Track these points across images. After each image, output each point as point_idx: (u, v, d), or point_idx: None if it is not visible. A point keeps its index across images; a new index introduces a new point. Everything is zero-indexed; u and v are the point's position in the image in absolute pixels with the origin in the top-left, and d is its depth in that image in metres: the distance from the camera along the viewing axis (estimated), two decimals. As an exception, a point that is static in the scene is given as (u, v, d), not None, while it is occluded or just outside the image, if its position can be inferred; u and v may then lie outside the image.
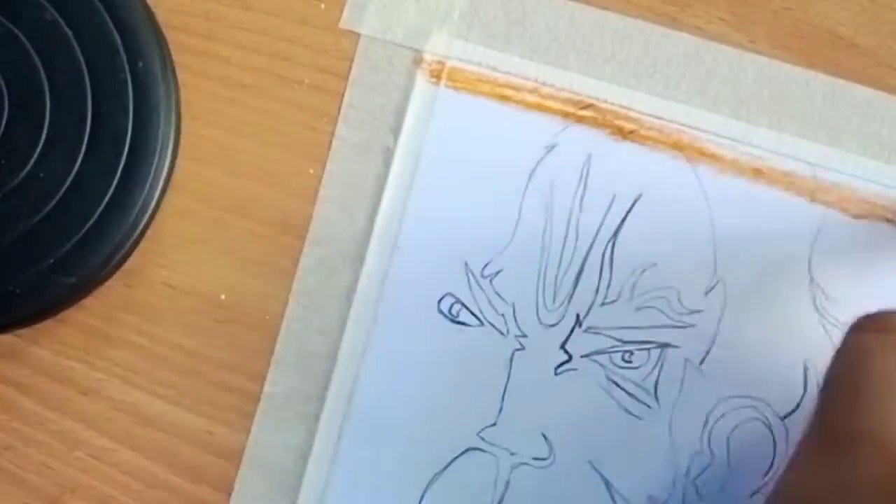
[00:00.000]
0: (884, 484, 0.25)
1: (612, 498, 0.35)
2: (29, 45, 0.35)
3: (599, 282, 0.36)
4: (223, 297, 0.37)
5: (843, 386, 0.28)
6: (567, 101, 0.37)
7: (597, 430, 0.35)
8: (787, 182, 0.36)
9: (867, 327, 0.29)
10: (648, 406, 0.36)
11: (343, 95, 0.37)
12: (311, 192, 0.37)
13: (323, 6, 0.38)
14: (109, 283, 0.36)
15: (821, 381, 0.35)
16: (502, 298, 0.36)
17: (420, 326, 0.36)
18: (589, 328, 0.36)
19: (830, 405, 0.28)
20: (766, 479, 0.35)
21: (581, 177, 0.36)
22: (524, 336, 0.36)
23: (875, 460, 0.25)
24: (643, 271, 0.36)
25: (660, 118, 0.37)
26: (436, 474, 0.35)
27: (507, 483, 0.35)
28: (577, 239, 0.36)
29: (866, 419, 0.26)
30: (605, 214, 0.36)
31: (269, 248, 0.37)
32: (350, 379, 0.36)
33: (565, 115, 0.37)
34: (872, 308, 0.29)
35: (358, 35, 0.37)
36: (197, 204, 0.37)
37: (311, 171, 0.37)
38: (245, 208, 0.37)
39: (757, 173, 0.36)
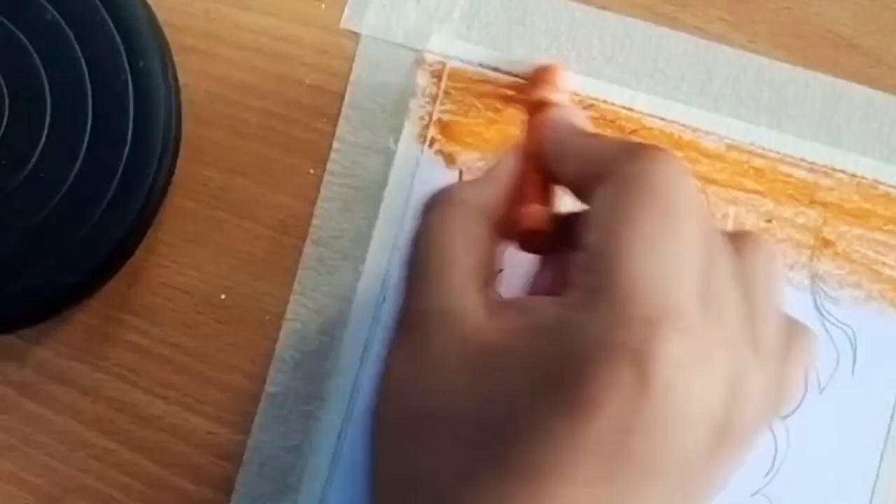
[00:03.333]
0: (454, 353, 0.26)
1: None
2: (29, 45, 0.35)
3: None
4: (223, 297, 0.37)
5: (411, 267, 0.28)
6: (567, 101, 0.37)
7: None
8: (787, 182, 0.36)
9: (429, 206, 0.29)
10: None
11: (343, 95, 0.37)
12: (312, 192, 0.37)
13: (323, 6, 0.38)
14: (110, 283, 0.36)
15: (821, 381, 0.35)
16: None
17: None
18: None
19: (405, 289, 0.28)
20: (767, 478, 0.35)
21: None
22: (524, 336, 0.36)
23: (443, 334, 0.26)
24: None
25: (660, 118, 0.37)
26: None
27: (508, 483, 0.35)
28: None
29: (432, 298, 0.27)
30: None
31: (269, 248, 0.37)
32: (350, 379, 0.36)
33: (565, 115, 0.37)
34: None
35: (358, 35, 0.37)
36: (197, 204, 0.37)
37: (312, 171, 0.37)
38: (245, 208, 0.37)
39: (757, 173, 0.36)
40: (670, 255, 0.24)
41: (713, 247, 0.26)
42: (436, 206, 0.29)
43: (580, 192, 0.28)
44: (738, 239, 0.28)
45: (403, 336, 0.27)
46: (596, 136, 0.31)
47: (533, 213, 0.30)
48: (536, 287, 0.32)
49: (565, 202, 0.30)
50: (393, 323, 0.28)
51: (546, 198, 0.31)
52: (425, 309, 0.27)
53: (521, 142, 0.32)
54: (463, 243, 0.28)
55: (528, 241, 0.30)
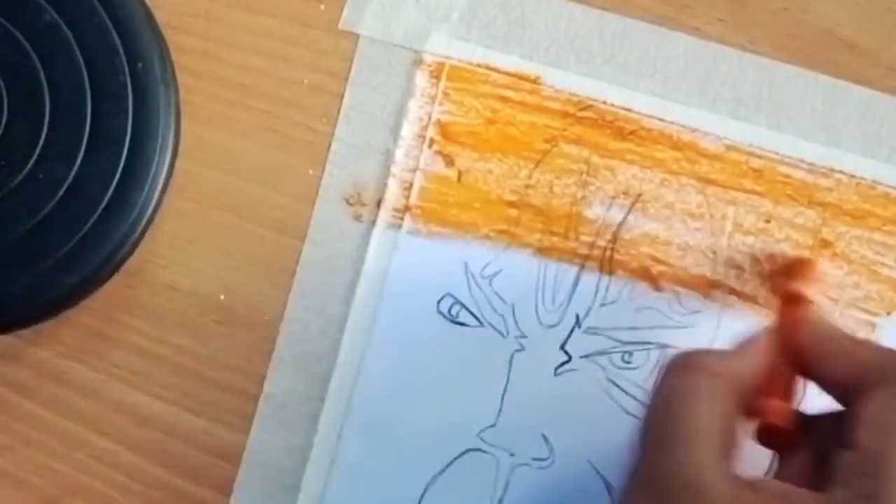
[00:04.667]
0: None
1: (612, 498, 0.35)
2: (28, 46, 0.35)
3: (599, 282, 0.36)
4: (223, 297, 0.37)
5: (656, 427, 0.28)
6: (567, 101, 0.37)
7: (597, 430, 0.35)
8: (786, 182, 0.36)
9: (677, 369, 0.29)
10: (648, 406, 0.36)
11: (343, 96, 0.37)
12: (311, 193, 0.37)
13: (322, 7, 0.38)
14: (109, 283, 0.36)
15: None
16: (502, 299, 0.36)
17: (420, 327, 0.36)
18: (588, 329, 0.36)
19: (646, 448, 0.28)
20: (767, 478, 0.35)
21: (581, 177, 0.36)
22: (524, 336, 0.36)
23: None
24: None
25: (659, 118, 0.37)
26: (436, 475, 0.35)
27: (507, 483, 0.35)
28: (577, 239, 0.36)
29: (679, 468, 0.27)
30: (605, 215, 0.36)
31: (269, 249, 0.37)
32: (350, 379, 0.36)
33: (565, 115, 0.37)
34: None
35: (357, 36, 0.37)
36: (197, 205, 0.37)
37: (311, 172, 0.37)
38: (245, 209, 0.37)
39: (756, 173, 0.36)
40: None
41: None
42: (686, 370, 0.29)
43: (844, 393, 0.29)
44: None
45: (650, 502, 0.27)
46: (864, 341, 0.32)
47: (778, 408, 0.30)
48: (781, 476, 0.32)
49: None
50: (629, 478, 0.28)
51: (789, 392, 0.31)
52: (671, 478, 0.27)
53: (774, 329, 0.32)
54: (711, 415, 0.28)
55: (766, 435, 0.30)
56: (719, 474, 0.27)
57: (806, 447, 0.30)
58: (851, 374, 0.28)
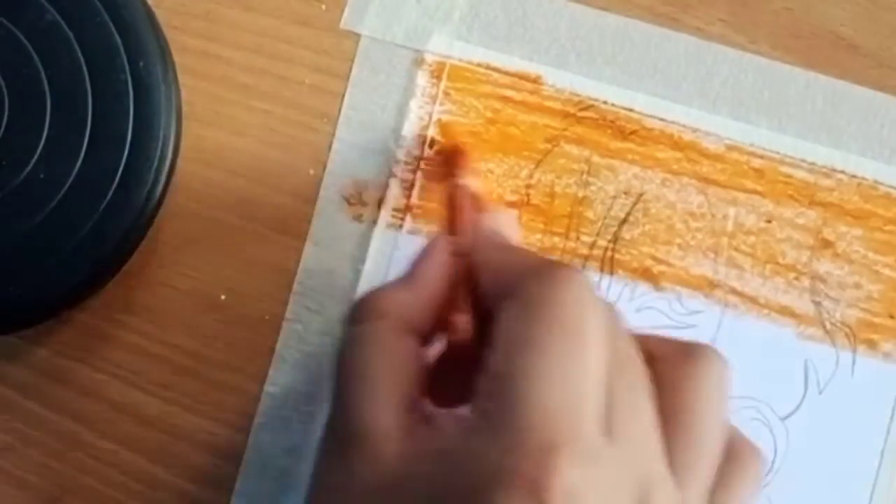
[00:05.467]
0: (374, 489, 0.25)
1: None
2: (29, 46, 0.35)
3: (600, 282, 0.36)
4: (223, 297, 0.37)
5: (338, 383, 0.27)
6: (567, 101, 0.37)
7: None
8: (787, 183, 0.36)
9: (352, 317, 0.28)
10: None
11: (343, 96, 0.37)
12: (312, 193, 0.37)
13: (324, 7, 0.38)
14: (110, 283, 0.36)
15: (821, 381, 0.35)
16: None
17: (420, 327, 0.36)
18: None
19: (332, 404, 0.27)
20: (767, 479, 0.35)
21: (581, 177, 0.36)
22: (524, 336, 0.36)
23: (364, 464, 0.25)
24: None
25: (661, 118, 0.37)
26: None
27: (508, 484, 0.35)
28: (577, 239, 0.36)
29: (353, 420, 0.26)
30: (606, 215, 0.36)
31: (270, 249, 0.37)
32: (350, 379, 0.36)
33: (566, 115, 0.37)
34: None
35: (358, 36, 0.37)
36: (197, 204, 0.37)
37: (312, 172, 0.37)
38: (245, 209, 0.37)
39: (757, 174, 0.36)
40: (570, 380, 0.24)
41: (623, 366, 0.25)
42: (358, 318, 0.28)
43: (489, 309, 0.27)
44: (681, 352, 0.27)
45: (331, 451, 0.27)
46: (510, 250, 0.30)
47: (458, 323, 0.29)
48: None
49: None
50: (323, 435, 0.27)
51: (468, 302, 0.29)
52: (344, 427, 0.26)
53: (442, 237, 0.31)
54: (385, 362, 0.27)
55: (457, 352, 0.29)
56: (391, 418, 0.26)
57: None
58: (489, 288, 0.27)
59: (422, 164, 0.36)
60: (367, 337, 0.27)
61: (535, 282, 0.26)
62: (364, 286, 0.36)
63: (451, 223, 0.32)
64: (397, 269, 0.36)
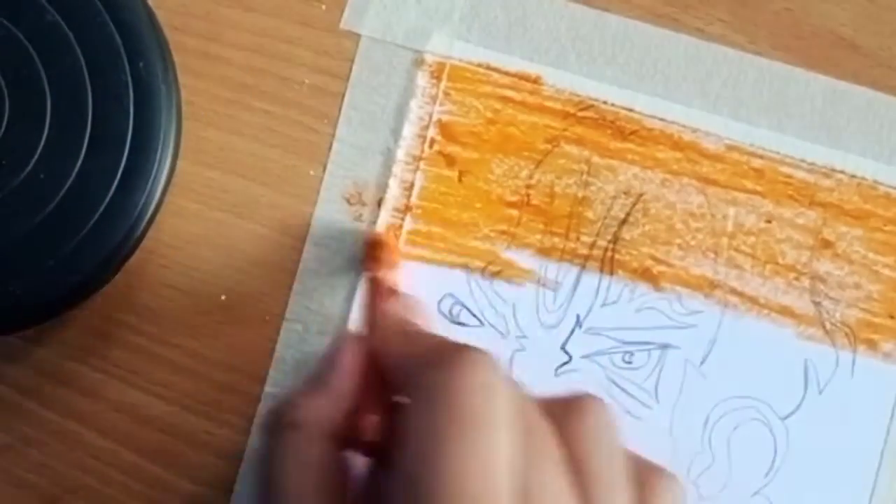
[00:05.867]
0: None
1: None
2: (30, 46, 0.35)
3: (600, 282, 0.36)
4: (223, 297, 0.37)
5: (260, 498, 0.27)
6: (568, 101, 0.37)
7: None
8: (787, 183, 0.36)
9: (266, 429, 0.28)
10: (649, 407, 0.36)
11: (344, 96, 0.37)
12: (312, 193, 0.37)
13: (324, 7, 0.38)
14: (110, 283, 0.36)
15: (821, 382, 0.35)
16: (502, 299, 0.36)
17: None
18: (589, 329, 0.36)
19: None
20: (767, 479, 0.35)
21: (581, 177, 0.36)
22: (524, 337, 0.36)
23: None
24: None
25: (660, 119, 0.37)
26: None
27: (508, 484, 0.35)
28: (577, 239, 0.36)
29: None
30: (606, 215, 0.36)
31: (270, 249, 0.37)
32: (350, 379, 0.36)
33: (566, 115, 0.37)
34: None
35: (359, 36, 0.37)
36: (197, 205, 0.37)
37: (312, 173, 0.37)
38: (245, 209, 0.37)
39: (757, 174, 0.36)
40: (482, 471, 0.23)
41: (534, 441, 0.25)
42: (273, 430, 0.28)
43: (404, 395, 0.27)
44: (566, 409, 0.27)
45: None
46: (412, 336, 0.29)
47: (372, 423, 0.29)
48: None
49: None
50: None
51: (378, 401, 0.29)
52: None
53: (360, 332, 0.31)
54: (306, 475, 0.27)
55: (374, 453, 0.29)
56: None
57: None
58: (399, 377, 0.27)
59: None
60: (284, 449, 0.27)
61: (436, 370, 0.25)
62: (364, 286, 0.36)
63: (365, 317, 0.32)
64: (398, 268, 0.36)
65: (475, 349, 0.25)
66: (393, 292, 0.32)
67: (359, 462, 0.29)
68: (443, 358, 0.25)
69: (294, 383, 0.33)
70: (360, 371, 0.29)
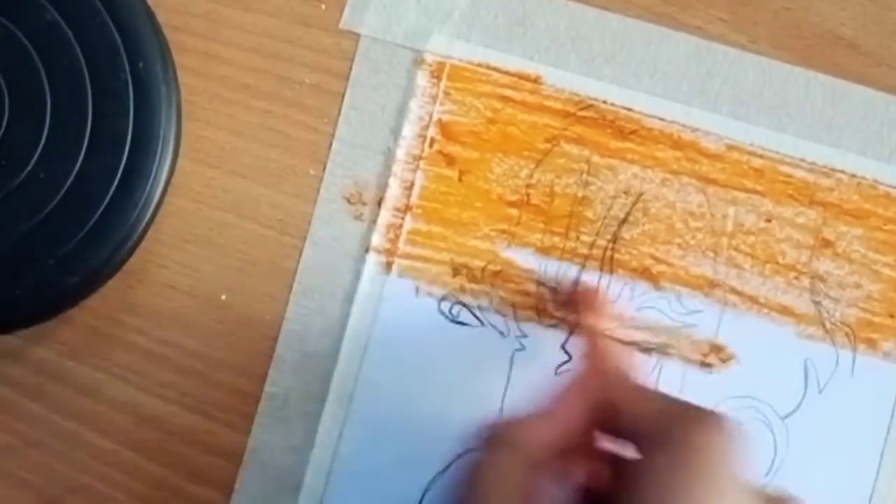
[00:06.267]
0: None
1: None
2: (29, 46, 0.35)
3: (600, 282, 0.36)
4: (223, 297, 0.37)
5: (463, 501, 0.29)
6: (567, 101, 0.37)
7: (597, 430, 0.35)
8: (787, 182, 0.36)
9: (479, 442, 0.29)
10: (649, 406, 0.35)
11: (343, 96, 0.37)
12: (312, 193, 0.37)
13: (323, 7, 0.38)
14: (110, 283, 0.36)
15: (821, 381, 0.35)
16: (502, 298, 0.36)
17: (420, 327, 0.36)
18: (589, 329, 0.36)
19: None
20: (767, 478, 0.35)
21: (581, 177, 0.36)
22: (524, 336, 0.36)
23: None
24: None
25: (660, 118, 0.37)
26: (436, 475, 0.35)
27: (508, 483, 0.35)
28: (577, 239, 0.36)
29: None
30: (606, 214, 0.36)
31: (270, 249, 0.37)
32: (350, 379, 0.36)
33: (566, 115, 0.37)
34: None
35: (358, 36, 0.37)
36: (197, 204, 0.37)
37: (312, 172, 0.37)
38: (245, 208, 0.37)
39: (757, 173, 0.36)
40: None
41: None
42: (491, 443, 0.29)
43: (637, 445, 0.29)
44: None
45: None
46: (650, 393, 0.32)
47: (587, 465, 0.30)
48: None
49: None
50: None
51: (592, 446, 0.31)
52: None
53: (578, 375, 0.32)
54: (507, 492, 0.28)
55: (580, 488, 0.30)
56: None
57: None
58: (638, 430, 0.29)
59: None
60: (498, 465, 0.29)
61: (683, 429, 0.27)
62: (365, 286, 0.36)
63: (586, 365, 0.33)
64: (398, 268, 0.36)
65: (721, 415, 0.28)
66: (607, 340, 0.34)
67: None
68: (693, 419, 0.28)
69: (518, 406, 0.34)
70: (583, 410, 0.31)
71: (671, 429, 0.28)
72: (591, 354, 0.33)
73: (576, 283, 0.36)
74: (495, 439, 0.29)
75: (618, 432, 0.30)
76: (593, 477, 0.30)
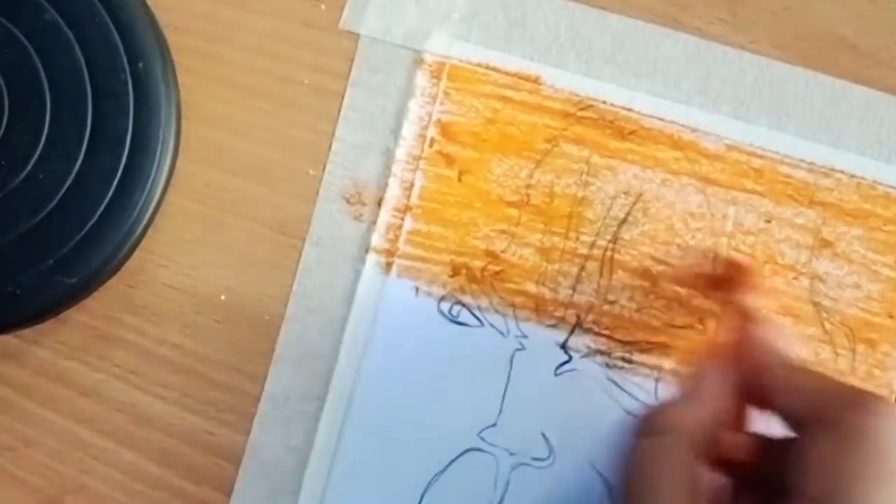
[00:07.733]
0: None
1: (612, 497, 0.35)
2: (29, 46, 0.35)
3: (600, 282, 0.36)
4: (223, 297, 0.37)
5: (627, 489, 0.29)
6: (567, 101, 0.37)
7: (597, 430, 0.35)
8: (786, 182, 0.36)
9: (638, 432, 0.30)
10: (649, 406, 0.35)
11: (343, 96, 0.37)
12: (312, 193, 0.37)
13: (323, 7, 0.38)
14: (110, 283, 0.36)
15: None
16: (502, 298, 0.36)
17: (420, 327, 0.36)
18: (589, 328, 0.36)
19: None
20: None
21: (581, 177, 0.36)
22: (524, 336, 0.36)
23: None
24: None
25: (660, 118, 0.37)
26: (436, 475, 0.35)
27: (508, 483, 0.35)
28: (577, 239, 0.36)
29: None
30: (606, 215, 0.36)
31: (269, 248, 0.37)
32: (350, 379, 0.36)
33: (565, 115, 0.37)
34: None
35: (358, 36, 0.37)
36: (197, 204, 0.37)
37: (312, 172, 0.37)
38: (245, 209, 0.37)
39: (757, 173, 0.36)
40: None
41: None
42: (646, 431, 0.30)
43: (796, 427, 0.29)
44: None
45: None
46: (809, 374, 0.31)
47: (738, 442, 0.30)
48: None
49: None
50: None
51: (741, 420, 0.31)
52: None
53: (722, 352, 0.32)
54: (675, 475, 0.28)
55: (725, 466, 0.30)
56: None
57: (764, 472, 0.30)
58: (801, 410, 0.29)
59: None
60: (655, 451, 0.29)
61: (851, 412, 0.27)
62: (364, 286, 0.36)
63: (737, 342, 0.32)
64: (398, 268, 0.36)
65: (885, 399, 0.28)
66: (758, 317, 0.33)
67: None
68: (859, 401, 0.27)
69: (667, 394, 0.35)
70: (731, 389, 0.31)
71: (835, 409, 0.27)
72: (743, 332, 0.33)
73: (728, 259, 0.36)
74: (652, 427, 0.30)
75: (777, 412, 0.30)
76: (748, 455, 0.30)
